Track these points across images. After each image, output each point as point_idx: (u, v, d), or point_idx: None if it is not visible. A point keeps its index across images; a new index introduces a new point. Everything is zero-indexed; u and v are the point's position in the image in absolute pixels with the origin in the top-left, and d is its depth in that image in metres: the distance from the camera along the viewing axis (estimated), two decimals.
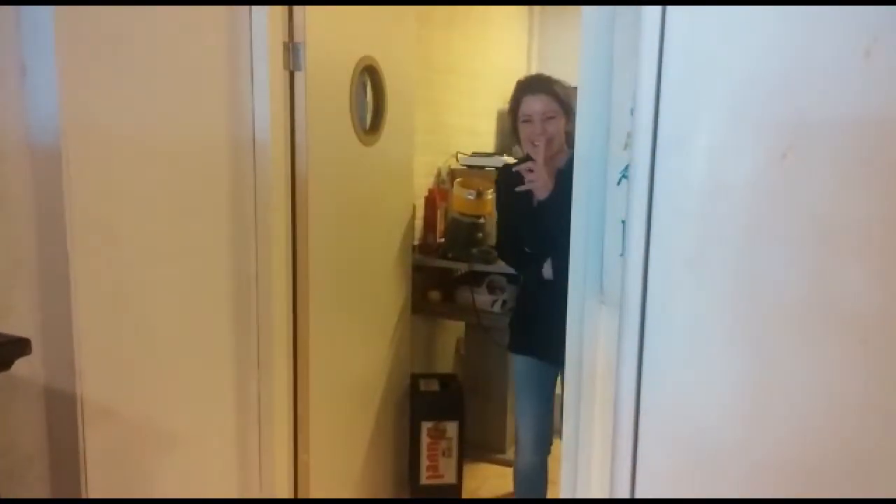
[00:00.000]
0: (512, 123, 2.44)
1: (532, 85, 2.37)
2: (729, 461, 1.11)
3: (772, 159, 1.01)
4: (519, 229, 2.51)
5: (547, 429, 2.59)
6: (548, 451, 2.60)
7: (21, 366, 1.35)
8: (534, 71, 4.73)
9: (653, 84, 1.08)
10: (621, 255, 1.41)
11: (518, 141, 2.45)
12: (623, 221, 1.40)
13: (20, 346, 1.32)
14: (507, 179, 2.53)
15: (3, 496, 1.53)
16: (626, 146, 1.37)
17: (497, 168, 3.49)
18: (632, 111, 1.34)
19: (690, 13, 1.05)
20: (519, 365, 2.58)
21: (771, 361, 1.06)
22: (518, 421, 2.62)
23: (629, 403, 1.15)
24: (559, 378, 2.49)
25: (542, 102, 2.30)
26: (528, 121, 2.33)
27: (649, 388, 1.15)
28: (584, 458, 1.49)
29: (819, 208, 1.00)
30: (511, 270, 3.08)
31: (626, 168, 1.39)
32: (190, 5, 1.87)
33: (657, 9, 1.06)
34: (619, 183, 1.39)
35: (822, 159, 0.99)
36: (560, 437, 1.55)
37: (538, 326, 2.46)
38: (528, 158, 2.39)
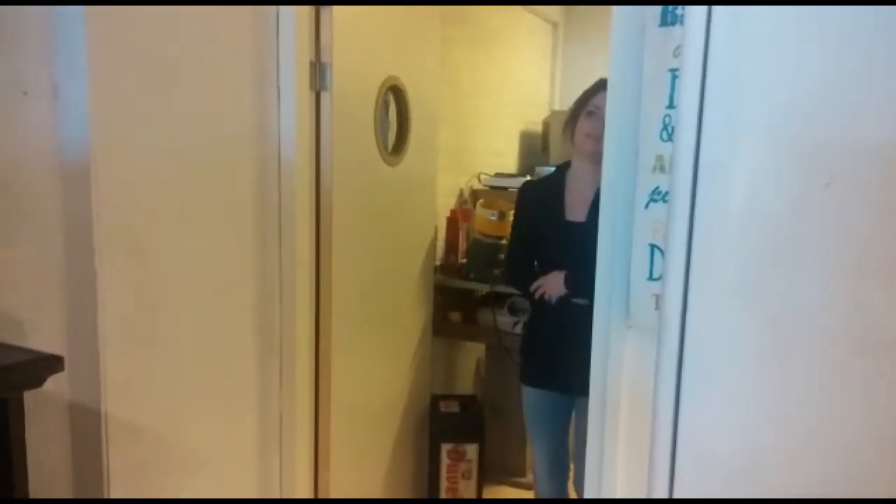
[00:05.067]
0: (571, 115, 2.31)
1: None
2: (761, 483, 1.10)
3: (814, 187, 1.00)
4: (536, 247, 2.40)
5: (563, 456, 2.52)
6: (566, 477, 2.55)
7: (48, 382, 1.35)
8: (557, 93, 4.75)
9: (695, 107, 1.06)
10: (649, 279, 1.40)
11: (571, 138, 2.31)
12: (651, 245, 1.39)
13: (53, 363, 1.32)
14: (528, 193, 2.49)
15: None
16: (655, 169, 1.37)
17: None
18: (661, 134, 1.35)
19: (734, 35, 1.04)
20: (530, 397, 2.47)
21: (820, 384, 1.04)
22: (534, 451, 2.56)
23: (666, 426, 1.13)
24: (574, 407, 2.43)
25: None
26: (593, 113, 2.22)
27: (686, 414, 1.13)
28: (608, 476, 1.48)
29: (861, 238, 0.98)
30: None
31: (655, 191, 1.38)
32: (219, 16, 1.89)
33: (701, 32, 1.05)
34: (646, 206, 1.38)
35: (864, 188, 0.97)
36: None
37: (550, 355, 2.37)
38: (566, 167, 2.36)
